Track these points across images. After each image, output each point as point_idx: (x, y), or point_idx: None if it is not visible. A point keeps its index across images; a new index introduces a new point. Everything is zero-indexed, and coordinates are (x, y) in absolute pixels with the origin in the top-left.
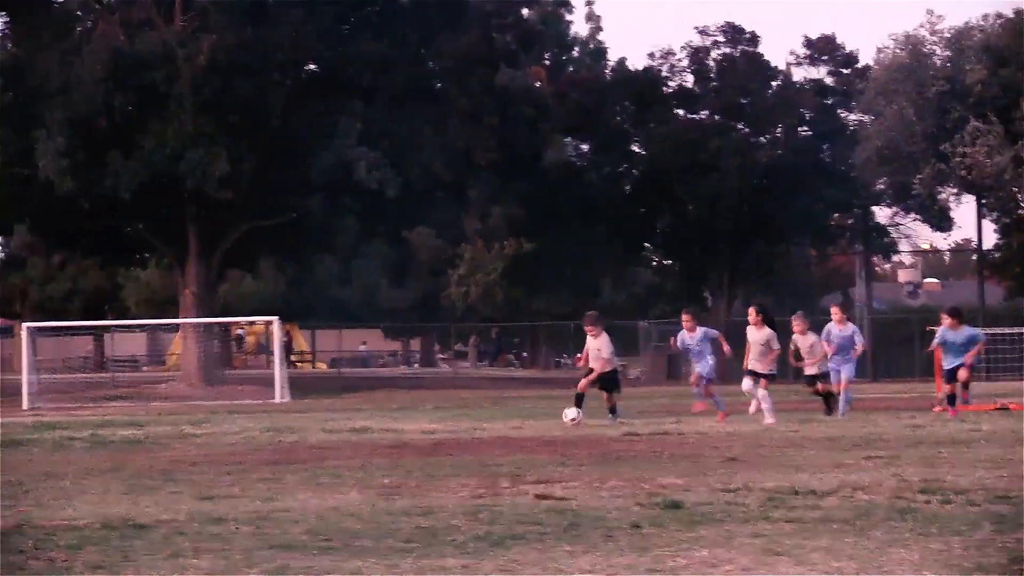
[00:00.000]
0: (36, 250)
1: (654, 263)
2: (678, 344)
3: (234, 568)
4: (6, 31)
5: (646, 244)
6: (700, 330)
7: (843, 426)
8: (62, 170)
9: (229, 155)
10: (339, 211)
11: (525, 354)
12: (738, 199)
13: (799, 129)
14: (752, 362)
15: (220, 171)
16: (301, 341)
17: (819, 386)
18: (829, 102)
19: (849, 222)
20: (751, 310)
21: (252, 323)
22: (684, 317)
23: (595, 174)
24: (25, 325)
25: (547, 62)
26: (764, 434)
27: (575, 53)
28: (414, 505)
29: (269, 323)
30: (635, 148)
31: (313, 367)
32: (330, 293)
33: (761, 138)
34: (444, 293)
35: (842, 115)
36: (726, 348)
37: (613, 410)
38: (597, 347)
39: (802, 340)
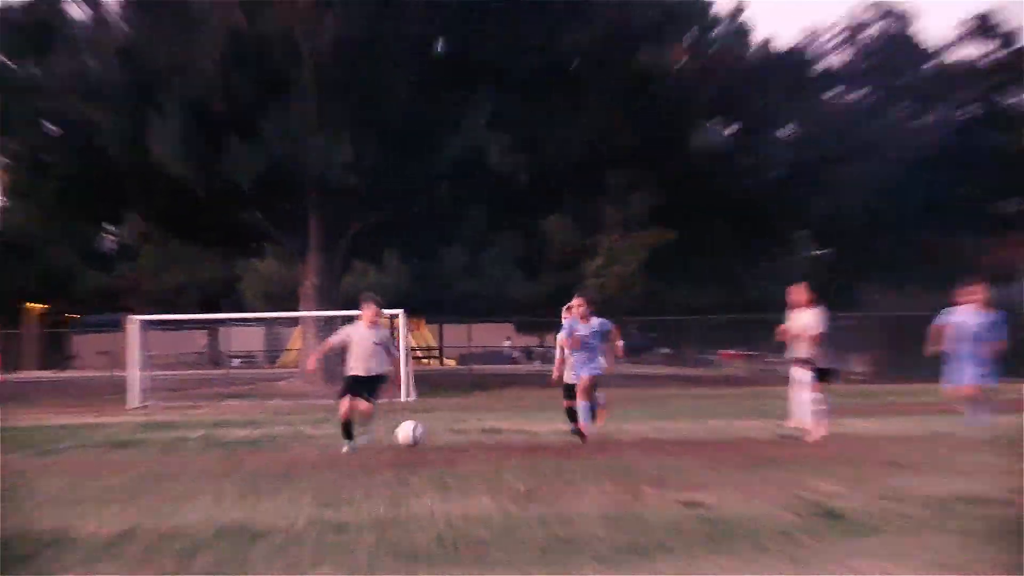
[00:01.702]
0: (149, 240)
1: (805, 254)
2: (564, 335)
3: None
4: (119, 11)
5: (797, 234)
6: (596, 320)
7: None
8: (178, 156)
9: (353, 141)
10: (468, 200)
11: (667, 350)
12: (895, 185)
13: (960, 110)
14: None
15: (344, 158)
16: (428, 336)
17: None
18: (992, 82)
19: (1015, 210)
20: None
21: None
22: (577, 301)
23: (742, 158)
24: (134, 318)
25: (690, 41)
26: (929, 436)
27: (719, 31)
28: (550, 512)
29: (394, 317)
30: (784, 132)
31: (441, 363)
32: (458, 286)
33: (921, 120)
34: (580, 286)
35: (1007, 95)
36: (619, 345)
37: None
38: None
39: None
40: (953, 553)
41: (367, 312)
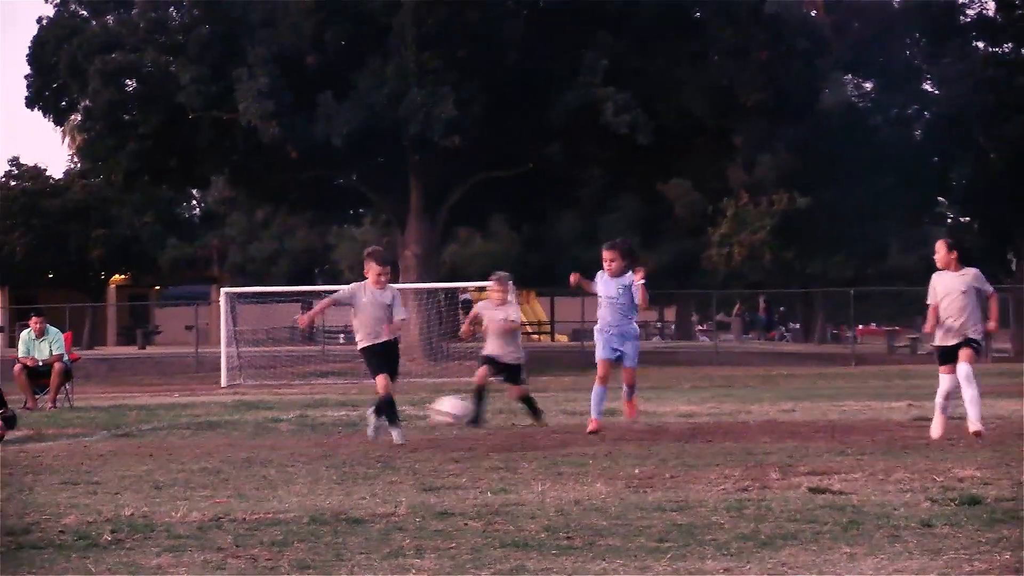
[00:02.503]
0: (237, 205)
1: (950, 220)
2: (471, 320)
3: (461, 568)
4: None
5: (940, 198)
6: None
7: None
8: (266, 114)
9: (457, 96)
10: (583, 160)
11: (798, 325)
12: None
13: None
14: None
15: (447, 114)
16: (539, 309)
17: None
18: None
19: None
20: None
21: (482, 289)
22: (493, 284)
23: (881, 117)
24: (224, 290)
25: None
26: None
27: None
28: (669, 499)
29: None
30: (927, 87)
31: (552, 339)
32: (572, 255)
33: None
34: (704, 254)
35: None
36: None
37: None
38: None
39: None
40: None
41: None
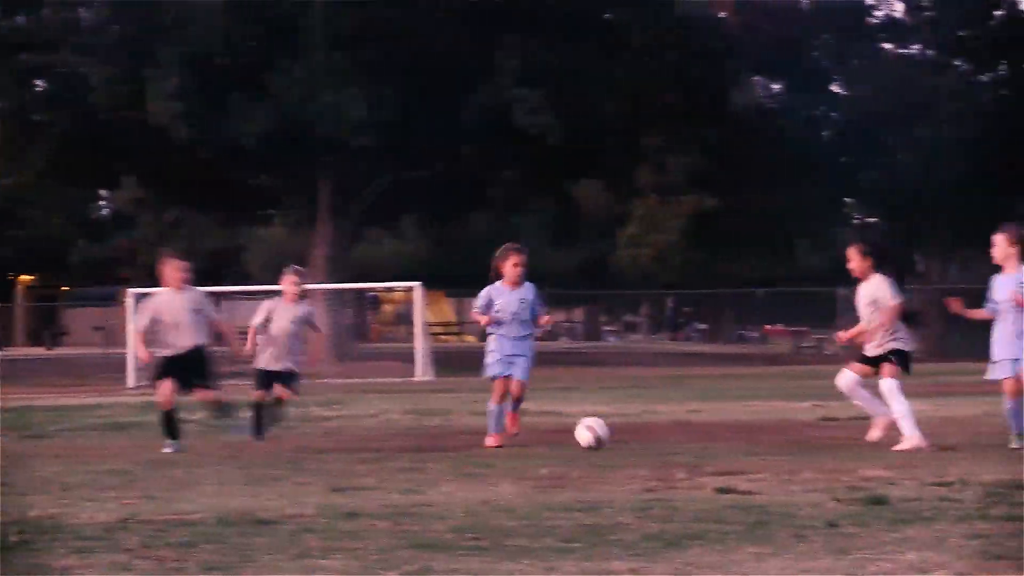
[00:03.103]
0: (146, 206)
1: (857, 221)
2: (258, 323)
3: (369, 569)
4: None
5: (848, 199)
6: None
7: None
8: (176, 114)
9: (367, 97)
10: (494, 161)
11: (706, 326)
12: (955, 147)
13: None
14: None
15: (357, 115)
16: (447, 310)
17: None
18: None
19: None
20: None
21: (391, 290)
22: (288, 278)
23: (789, 118)
24: (131, 291)
25: None
26: (984, 419)
27: None
28: (576, 499)
29: (410, 289)
30: (836, 88)
31: (461, 340)
32: (482, 256)
33: (984, 76)
34: (613, 255)
35: None
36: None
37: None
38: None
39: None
40: (1003, 541)
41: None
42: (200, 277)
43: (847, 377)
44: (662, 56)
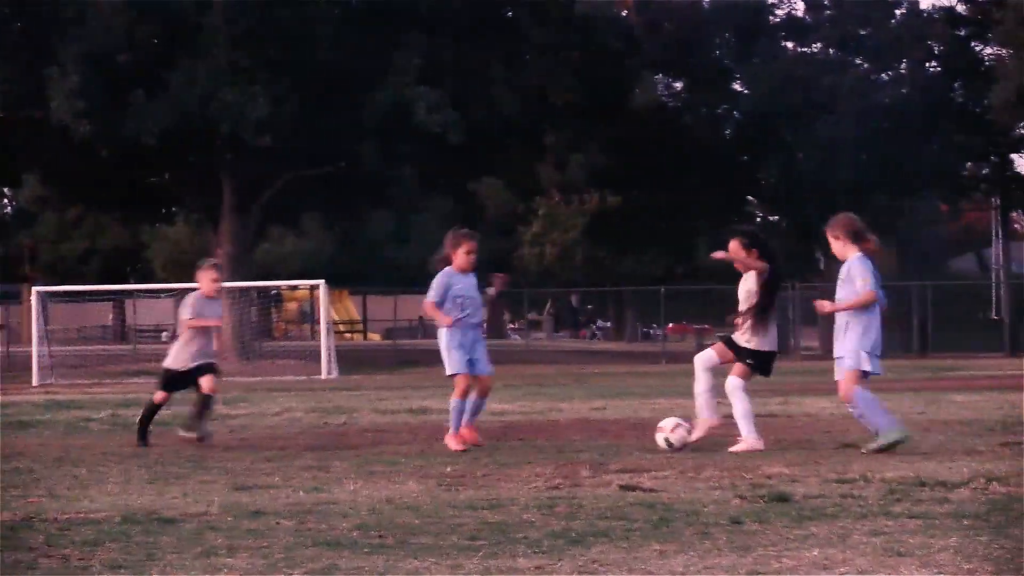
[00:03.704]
0: (49, 204)
1: (758, 219)
2: (189, 317)
3: (274, 568)
4: None
5: (749, 197)
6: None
7: (976, 408)
8: (77, 112)
9: (268, 95)
10: (395, 159)
11: (608, 324)
12: (856, 146)
13: (927, 65)
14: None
15: (258, 113)
16: (351, 308)
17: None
18: (962, 34)
19: (984, 172)
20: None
21: (294, 288)
22: (208, 272)
23: (691, 117)
24: (35, 289)
25: None
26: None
27: None
28: (481, 497)
29: (314, 288)
30: (737, 87)
31: (364, 338)
32: (384, 254)
33: (883, 75)
34: (516, 253)
35: (977, 48)
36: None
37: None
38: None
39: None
40: (905, 538)
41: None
42: (102, 276)
43: (706, 357)
44: (563, 54)
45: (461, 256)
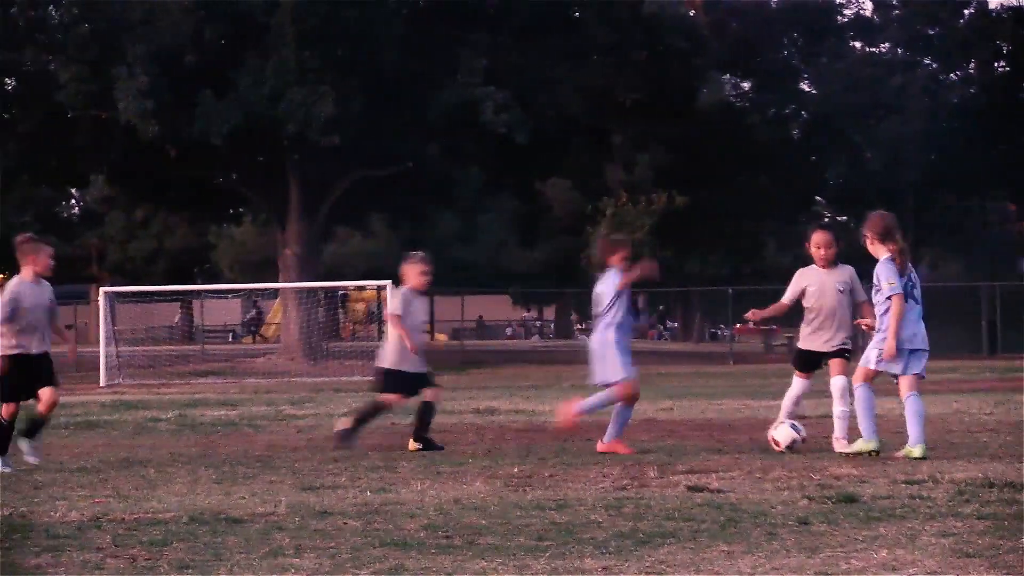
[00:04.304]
0: (116, 204)
1: (826, 219)
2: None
3: (340, 568)
4: None
5: (817, 197)
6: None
7: None
8: (145, 112)
9: (336, 95)
10: (461, 159)
11: (676, 324)
12: (923, 146)
13: (996, 64)
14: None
15: (325, 113)
16: None
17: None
18: None
19: None
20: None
21: (362, 288)
22: (415, 266)
23: (758, 117)
24: (103, 290)
25: None
26: (953, 417)
27: None
28: (548, 498)
29: (381, 288)
30: (804, 87)
31: (431, 338)
32: (451, 254)
33: (952, 75)
34: (583, 254)
35: None
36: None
37: None
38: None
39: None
40: (972, 539)
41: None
42: (168, 276)
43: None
44: (630, 54)
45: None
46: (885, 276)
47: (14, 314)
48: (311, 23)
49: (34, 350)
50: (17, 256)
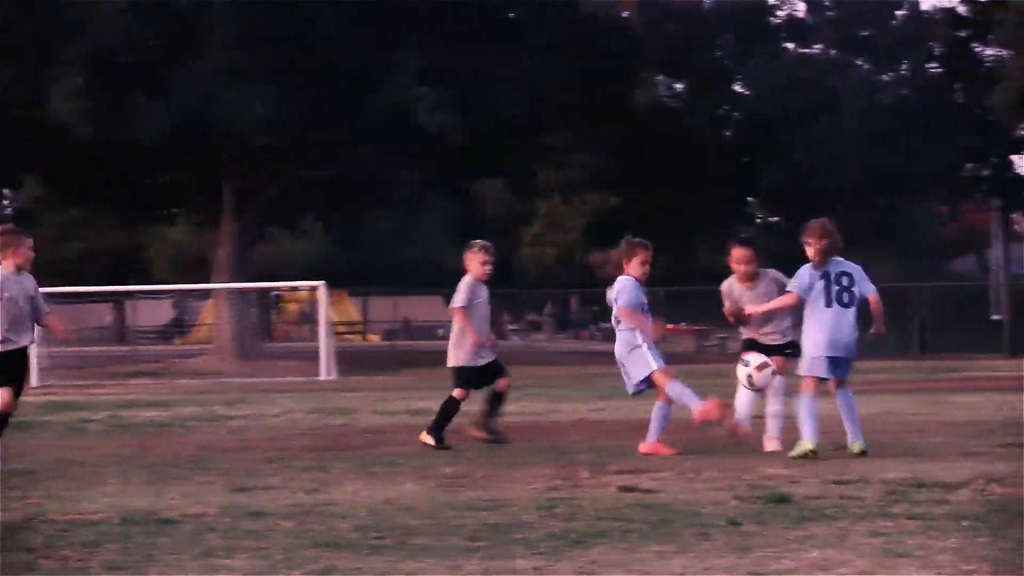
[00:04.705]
0: (48, 205)
1: (758, 220)
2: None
3: (273, 569)
4: None
5: (749, 199)
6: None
7: (976, 409)
8: (79, 113)
9: (270, 96)
10: (396, 160)
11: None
12: (856, 147)
13: (928, 66)
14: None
15: (259, 114)
16: (351, 309)
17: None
18: (963, 35)
19: (985, 173)
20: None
21: (295, 289)
22: (477, 255)
23: (692, 118)
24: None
25: None
26: (885, 418)
27: None
28: (480, 498)
29: (314, 289)
30: (738, 88)
31: (364, 339)
32: (384, 255)
33: (884, 76)
34: (516, 255)
35: (978, 49)
36: None
37: None
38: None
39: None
40: (903, 539)
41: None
42: (101, 277)
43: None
44: (564, 55)
45: (644, 264)
46: (795, 277)
47: None
48: (244, 24)
49: (23, 343)
50: None
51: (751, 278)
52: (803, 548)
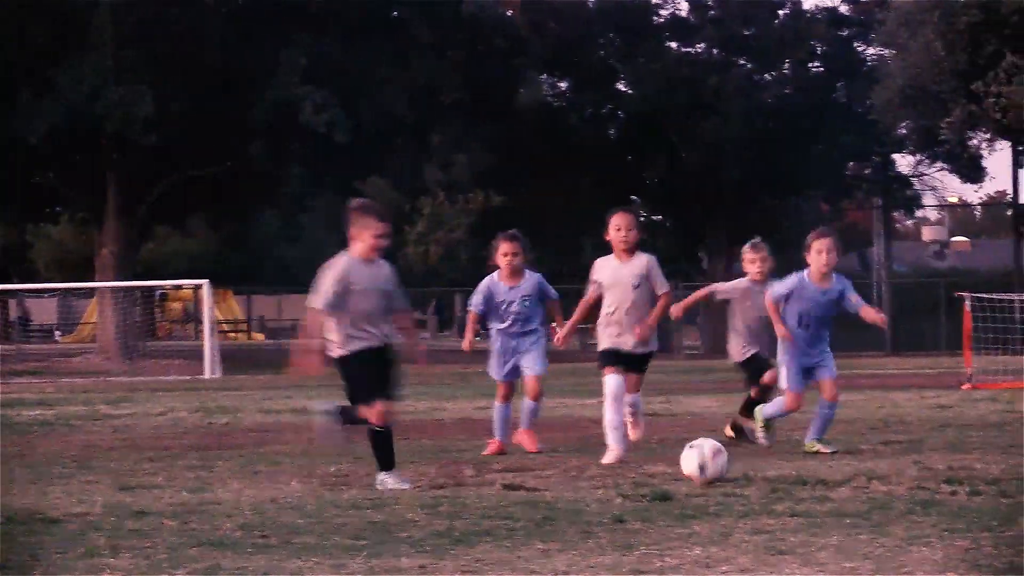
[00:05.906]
0: None
1: (643, 218)
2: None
3: (157, 568)
4: None
5: (634, 197)
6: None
7: (858, 407)
8: None
9: (156, 94)
10: (282, 159)
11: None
12: (740, 145)
13: (810, 65)
14: None
15: (145, 112)
16: (235, 308)
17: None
18: (844, 34)
19: (866, 172)
20: None
21: (179, 287)
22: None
23: (576, 116)
24: None
25: None
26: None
27: None
28: (365, 497)
29: (198, 287)
30: (622, 87)
31: (248, 337)
32: (271, 253)
33: (767, 75)
34: (401, 252)
35: (860, 49)
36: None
37: None
38: None
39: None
40: (785, 537)
41: None
42: None
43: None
44: (450, 53)
45: (508, 257)
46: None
47: None
48: (131, 21)
49: None
50: None
51: (630, 249)
52: (686, 546)
